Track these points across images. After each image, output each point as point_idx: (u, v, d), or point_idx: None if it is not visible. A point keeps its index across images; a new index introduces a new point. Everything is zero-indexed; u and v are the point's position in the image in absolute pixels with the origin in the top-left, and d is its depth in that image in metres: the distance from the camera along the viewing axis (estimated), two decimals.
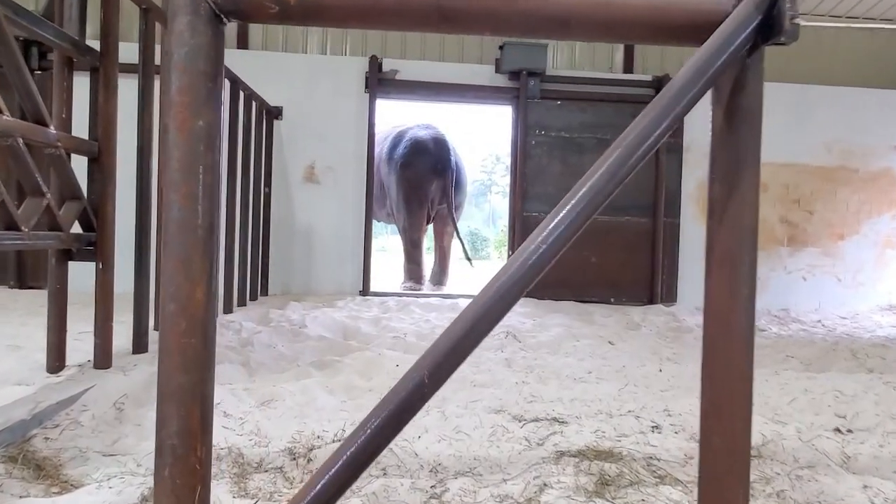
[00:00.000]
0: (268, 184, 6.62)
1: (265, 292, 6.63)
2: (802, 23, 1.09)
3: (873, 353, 4.69)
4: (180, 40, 1.04)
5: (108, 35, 3.23)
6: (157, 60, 3.75)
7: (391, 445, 1.23)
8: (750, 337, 1.15)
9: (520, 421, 2.81)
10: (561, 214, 1.02)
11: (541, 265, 1.00)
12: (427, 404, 3.13)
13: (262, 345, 4.10)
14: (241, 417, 2.69)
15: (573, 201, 1.02)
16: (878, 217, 7.54)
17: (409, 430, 2.72)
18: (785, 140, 7.21)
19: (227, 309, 5.26)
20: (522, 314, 6.22)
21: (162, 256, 1.07)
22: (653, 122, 1.06)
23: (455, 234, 8.44)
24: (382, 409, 1.02)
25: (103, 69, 3.23)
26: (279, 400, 2.98)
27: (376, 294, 7.00)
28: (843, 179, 7.45)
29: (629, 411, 2.97)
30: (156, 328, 4.11)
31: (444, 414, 2.85)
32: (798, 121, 7.25)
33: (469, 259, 8.60)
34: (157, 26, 3.69)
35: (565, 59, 7.48)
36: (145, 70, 3.63)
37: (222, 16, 1.08)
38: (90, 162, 3.22)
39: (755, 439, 2.68)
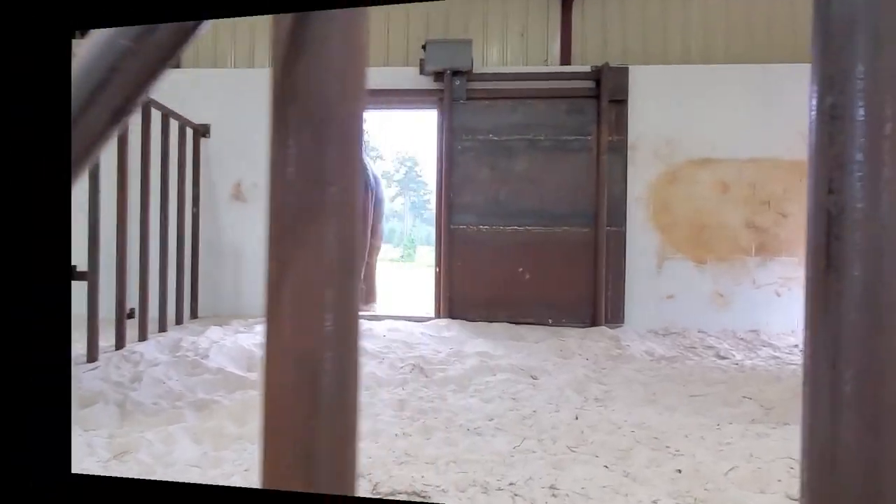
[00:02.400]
0: (195, 204, 6.54)
1: (195, 315, 6.58)
2: None
3: None
4: None
5: None
6: None
7: None
8: None
9: (373, 495, 2.36)
10: None
11: None
12: None
13: (152, 380, 3.72)
14: None
15: None
16: None
17: None
18: (749, 131, 6.05)
19: (142, 336, 5.11)
20: (442, 339, 5.62)
21: None
22: None
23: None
24: None
25: None
26: (134, 452, 2.65)
27: None
28: None
29: (510, 484, 2.40)
30: None
31: None
32: (765, 107, 6.04)
33: None
34: None
35: (494, 56, 6.74)
36: None
37: None
38: None
39: None
